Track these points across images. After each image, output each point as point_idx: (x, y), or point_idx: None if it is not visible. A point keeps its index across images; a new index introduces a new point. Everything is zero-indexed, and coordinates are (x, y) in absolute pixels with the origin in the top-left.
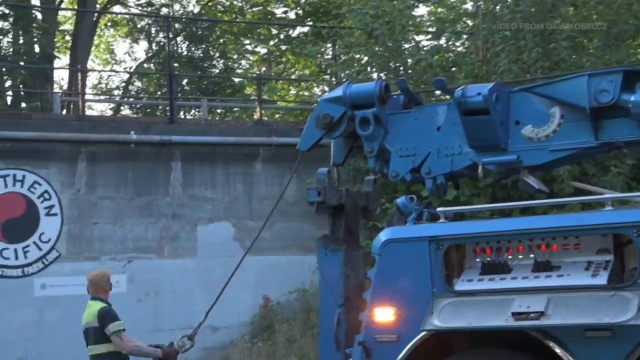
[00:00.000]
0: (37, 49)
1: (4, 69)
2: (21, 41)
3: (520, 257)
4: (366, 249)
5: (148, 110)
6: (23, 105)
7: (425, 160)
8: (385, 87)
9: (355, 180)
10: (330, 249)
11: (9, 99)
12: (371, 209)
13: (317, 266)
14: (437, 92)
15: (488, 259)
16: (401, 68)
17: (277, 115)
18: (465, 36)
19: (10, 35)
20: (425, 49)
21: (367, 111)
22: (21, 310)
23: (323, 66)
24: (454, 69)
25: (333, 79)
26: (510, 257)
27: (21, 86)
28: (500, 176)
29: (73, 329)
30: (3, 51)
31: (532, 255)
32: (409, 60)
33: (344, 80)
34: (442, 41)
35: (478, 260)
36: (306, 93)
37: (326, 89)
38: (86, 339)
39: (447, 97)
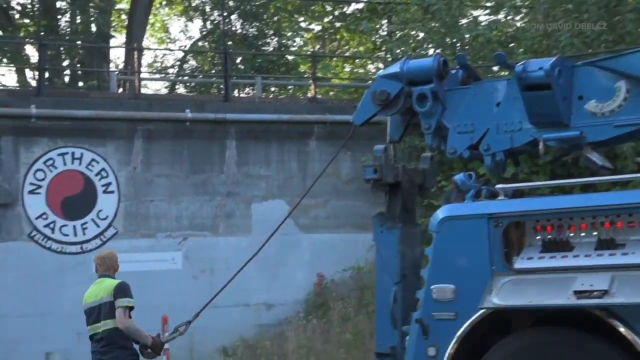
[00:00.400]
0: (94, 28)
1: (62, 49)
2: (78, 21)
3: (583, 234)
4: (421, 227)
5: (202, 88)
6: (80, 84)
7: (483, 137)
8: (443, 63)
9: (410, 157)
10: (387, 226)
11: (66, 78)
12: (428, 186)
13: (372, 244)
14: (495, 69)
15: (549, 236)
16: (458, 44)
17: (331, 93)
18: (524, 10)
19: (68, 15)
20: (483, 24)
21: (424, 87)
22: (80, 285)
23: (378, 43)
24: (512, 44)
25: (388, 56)
26: (572, 234)
27: (79, 65)
28: (561, 153)
29: None
30: (61, 31)
31: (595, 233)
32: (466, 36)
33: (400, 57)
34: (501, 16)
35: (538, 238)
36: (361, 70)
37: (381, 66)
38: (97, 314)
39: (507, 73)
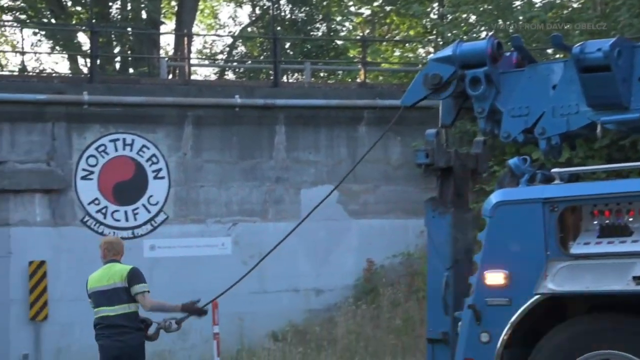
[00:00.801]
0: (144, 15)
1: (113, 36)
2: (129, 8)
3: None
4: (474, 212)
5: (252, 74)
6: (131, 70)
7: (539, 120)
8: (497, 45)
9: (461, 142)
10: (438, 211)
11: (117, 65)
12: (480, 170)
13: (422, 229)
14: (549, 51)
15: (607, 221)
16: (511, 27)
17: (381, 78)
18: None
19: (118, 2)
20: (537, 5)
21: (478, 70)
22: None
23: (428, 26)
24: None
25: (439, 40)
26: (631, 219)
27: (129, 52)
28: (618, 136)
29: (180, 289)
30: (112, 18)
31: None
32: (520, 18)
33: (451, 40)
34: None
35: (596, 222)
36: (411, 55)
37: (431, 50)
38: (109, 299)
39: (562, 55)
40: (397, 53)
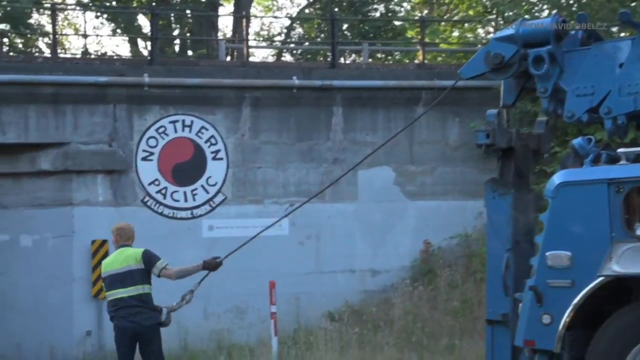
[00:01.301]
0: None
1: (172, 18)
2: None
3: None
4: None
5: (309, 55)
6: (190, 52)
7: (604, 100)
8: (562, 23)
9: (521, 123)
10: (499, 192)
11: (177, 47)
12: (543, 151)
13: (480, 211)
14: (615, 29)
15: None
16: (574, 5)
17: (439, 58)
18: None
19: None
20: None
21: (541, 49)
22: (191, 250)
23: (488, 6)
24: (634, 3)
25: (499, 19)
26: None
27: (188, 34)
28: None
29: (237, 269)
30: (172, 0)
31: None
32: None
33: (512, 20)
34: None
35: None
36: (470, 35)
37: (491, 30)
38: (123, 281)
39: (629, 33)
40: (455, 33)
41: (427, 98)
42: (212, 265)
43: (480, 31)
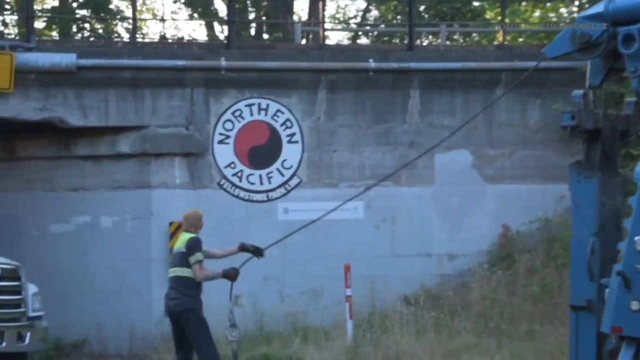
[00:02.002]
0: None
1: (248, 2)
2: None
3: None
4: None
5: (385, 38)
6: (266, 36)
7: None
8: None
9: (606, 105)
10: (584, 175)
11: (252, 31)
12: (630, 133)
13: (561, 195)
14: None
15: None
16: None
17: (520, 39)
18: None
19: None
20: None
21: (632, 27)
22: (266, 233)
23: None
24: None
25: None
26: None
27: (264, 17)
28: None
29: (313, 252)
30: None
31: None
32: None
33: None
34: None
35: None
36: (552, 14)
37: (574, 9)
38: (173, 262)
39: None
40: (537, 13)
41: (507, 80)
42: (230, 275)
43: (563, 10)
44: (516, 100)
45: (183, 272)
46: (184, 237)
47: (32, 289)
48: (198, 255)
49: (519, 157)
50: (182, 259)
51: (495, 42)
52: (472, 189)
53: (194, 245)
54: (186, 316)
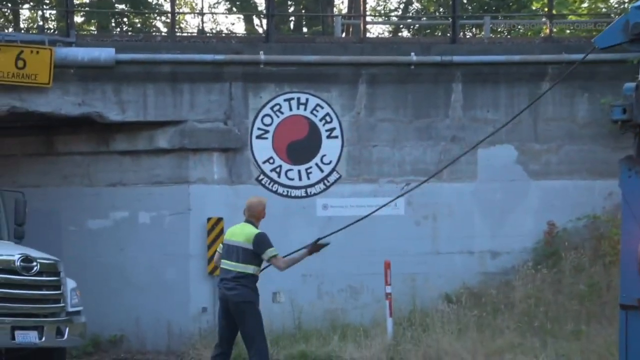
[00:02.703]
0: None
1: None
2: None
3: None
4: None
5: (427, 30)
6: (305, 29)
7: None
8: None
9: None
10: (636, 170)
11: (292, 24)
12: None
13: (610, 192)
14: None
15: None
16: None
17: (567, 31)
18: None
19: None
20: None
21: None
22: (305, 229)
23: None
24: None
25: None
26: None
27: (304, 11)
28: None
29: (352, 249)
30: None
31: None
32: None
33: None
34: None
35: None
36: (602, 5)
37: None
38: (229, 253)
39: None
40: (585, 4)
41: (553, 73)
42: (317, 248)
43: (613, 0)
44: (563, 94)
45: (246, 269)
46: (246, 231)
47: (70, 284)
48: (272, 251)
49: (565, 152)
50: (245, 255)
51: (542, 35)
52: (516, 184)
53: (262, 242)
54: (244, 307)
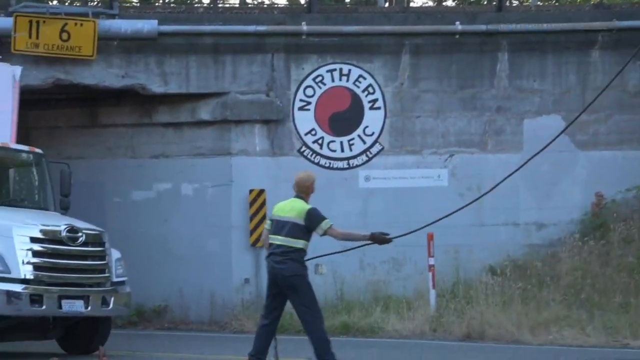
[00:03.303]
0: None
1: None
2: None
3: None
4: None
5: None
6: (348, 0)
7: None
8: None
9: None
10: None
11: None
12: None
13: None
14: None
15: None
16: None
17: None
18: None
19: None
20: None
21: None
22: (347, 201)
23: None
24: None
25: None
26: None
27: None
28: None
29: (395, 220)
30: None
31: None
32: None
33: None
34: None
35: None
36: None
37: None
38: (281, 229)
39: None
40: None
41: (604, 41)
42: (379, 240)
43: None
44: (613, 62)
45: (296, 243)
46: (297, 206)
47: (115, 254)
48: (326, 223)
49: (615, 122)
50: (295, 230)
51: (592, 1)
52: (563, 155)
53: (315, 218)
54: (294, 281)
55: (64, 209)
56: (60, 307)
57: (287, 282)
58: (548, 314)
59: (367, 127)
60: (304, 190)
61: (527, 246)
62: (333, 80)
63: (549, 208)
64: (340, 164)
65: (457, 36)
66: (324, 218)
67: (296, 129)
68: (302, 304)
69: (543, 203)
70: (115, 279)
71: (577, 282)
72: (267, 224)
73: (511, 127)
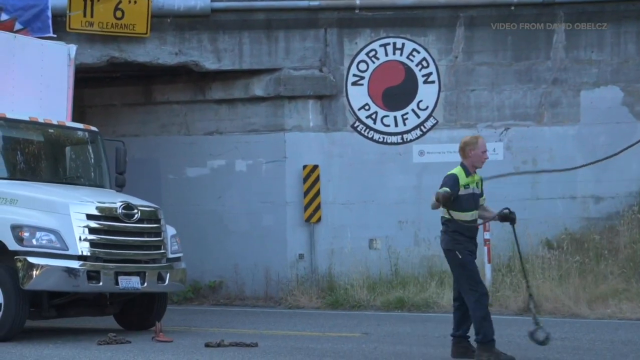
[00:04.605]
0: None
1: None
2: None
3: None
4: None
5: None
6: None
7: None
8: None
9: None
10: None
11: None
12: None
13: None
14: None
15: None
16: None
17: None
18: None
19: None
20: None
21: None
22: (401, 175)
23: None
24: None
25: None
26: None
27: None
28: None
29: None
30: None
31: None
32: None
33: None
34: None
35: None
36: None
37: None
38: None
39: None
40: None
41: None
42: (507, 218)
43: None
44: None
45: (445, 213)
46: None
47: (170, 230)
48: (442, 190)
49: None
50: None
51: None
52: (621, 127)
53: (445, 182)
54: (447, 255)
55: (120, 186)
56: (117, 283)
57: (445, 255)
58: (606, 287)
59: (421, 101)
60: (461, 155)
61: (584, 219)
62: (386, 55)
63: (607, 181)
64: (394, 139)
65: (513, 7)
66: (443, 185)
67: (349, 104)
68: (458, 281)
69: (601, 176)
70: (170, 255)
71: (636, 255)
72: None
73: (567, 99)
